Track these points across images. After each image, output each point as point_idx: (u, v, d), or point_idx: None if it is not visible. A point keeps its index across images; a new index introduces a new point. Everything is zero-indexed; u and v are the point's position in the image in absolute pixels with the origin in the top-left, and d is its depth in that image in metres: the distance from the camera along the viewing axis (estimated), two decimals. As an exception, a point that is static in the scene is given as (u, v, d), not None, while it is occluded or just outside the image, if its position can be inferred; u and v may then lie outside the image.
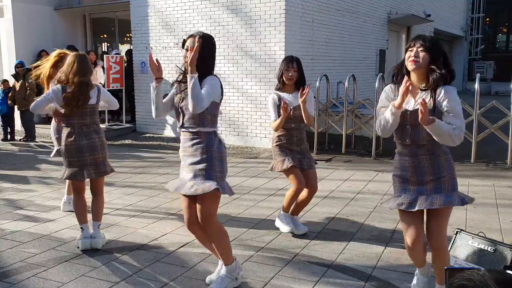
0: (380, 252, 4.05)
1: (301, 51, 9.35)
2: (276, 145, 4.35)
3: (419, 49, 2.81)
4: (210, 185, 3.09)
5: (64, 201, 5.28)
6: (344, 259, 3.92)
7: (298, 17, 9.15)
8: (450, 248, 3.70)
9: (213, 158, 3.16)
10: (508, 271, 1.42)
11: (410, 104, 2.89)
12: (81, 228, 4.18)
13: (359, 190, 5.99)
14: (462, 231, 3.74)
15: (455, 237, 3.72)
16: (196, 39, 3.13)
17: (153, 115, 3.38)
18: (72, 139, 4.12)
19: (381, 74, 8.92)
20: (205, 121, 3.19)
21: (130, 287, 3.44)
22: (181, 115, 3.23)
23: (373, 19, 12.42)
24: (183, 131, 3.25)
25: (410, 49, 2.86)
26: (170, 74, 9.99)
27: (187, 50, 3.16)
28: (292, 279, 3.55)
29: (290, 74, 4.26)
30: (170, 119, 10.17)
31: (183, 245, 4.20)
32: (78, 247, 4.11)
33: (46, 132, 11.15)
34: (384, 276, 3.58)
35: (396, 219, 4.89)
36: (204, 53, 3.12)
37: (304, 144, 4.40)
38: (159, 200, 5.68)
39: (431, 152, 2.91)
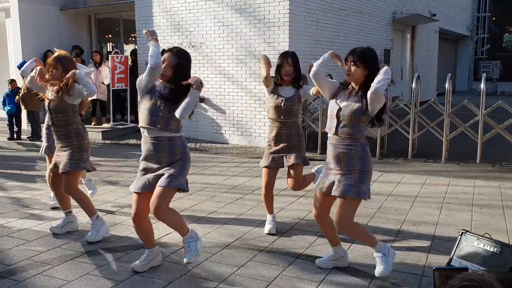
0: (384, 252, 4.04)
1: (305, 51, 9.35)
2: (267, 142, 4.49)
3: (351, 64, 3.31)
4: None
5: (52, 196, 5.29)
6: (348, 259, 3.91)
7: (302, 17, 9.15)
8: (455, 249, 3.69)
9: None
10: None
11: (342, 102, 3.38)
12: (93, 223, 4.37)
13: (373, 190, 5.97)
14: (467, 232, 3.72)
15: (460, 238, 3.70)
16: (168, 55, 3.54)
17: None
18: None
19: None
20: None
21: (134, 285, 3.46)
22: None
23: (377, 18, 12.40)
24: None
25: (346, 62, 3.34)
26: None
27: (163, 61, 3.51)
28: (296, 279, 3.55)
29: (286, 70, 4.29)
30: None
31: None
32: (91, 242, 4.23)
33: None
34: (388, 277, 3.57)
35: (400, 220, 4.89)
36: (180, 64, 3.52)
37: (293, 141, 4.37)
38: (164, 200, 5.68)
39: (349, 148, 3.35)
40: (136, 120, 11.26)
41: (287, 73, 4.29)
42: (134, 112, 11.40)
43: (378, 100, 3.24)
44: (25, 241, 4.30)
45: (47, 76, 4.39)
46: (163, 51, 3.57)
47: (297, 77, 4.34)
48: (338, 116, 3.35)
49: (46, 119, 4.96)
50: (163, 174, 3.48)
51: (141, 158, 3.60)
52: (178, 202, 5.54)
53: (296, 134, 4.38)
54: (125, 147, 9.38)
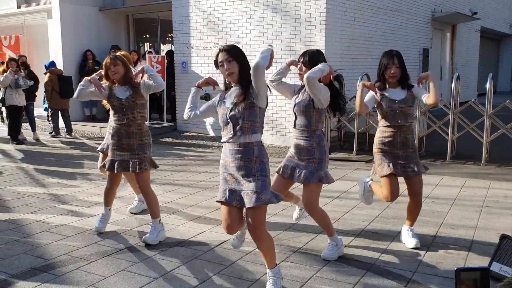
0: (421, 255, 3.96)
1: (342, 50, 9.26)
2: (378, 148, 4.15)
3: (302, 65, 3.76)
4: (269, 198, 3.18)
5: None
6: (383, 262, 3.85)
7: (339, 16, 9.05)
8: (495, 254, 3.58)
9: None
10: None
11: (297, 99, 3.80)
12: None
13: (400, 192, 5.86)
14: (507, 237, 3.61)
15: (500, 243, 3.59)
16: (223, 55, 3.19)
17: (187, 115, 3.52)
18: None
19: (424, 73, 8.71)
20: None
21: (169, 283, 3.50)
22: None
23: (416, 17, 12.16)
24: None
25: (298, 63, 3.81)
26: (210, 73, 10.09)
27: (222, 65, 3.18)
28: (330, 281, 3.52)
29: (392, 72, 4.01)
30: (210, 119, 10.26)
31: (221, 243, 4.23)
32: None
33: (90, 130, 11.47)
34: (424, 281, 3.50)
35: (438, 222, 4.78)
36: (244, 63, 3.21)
37: (410, 148, 4.09)
38: (198, 198, 5.74)
39: (307, 139, 3.75)
40: (172, 119, 11.44)
41: (393, 75, 4.02)
42: (171, 111, 11.58)
43: (312, 87, 3.56)
44: (64, 237, 4.42)
45: (103, 82, 4.40)
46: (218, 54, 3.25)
47: (403, 78, 4.07)
48: (294, 112, 3.78)
49: (113, 118, 4.43)
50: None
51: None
52: (212, 200, 5.58)
53: (410, 138, 4.13)
54: (161, 146, 9.52)
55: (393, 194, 4.08)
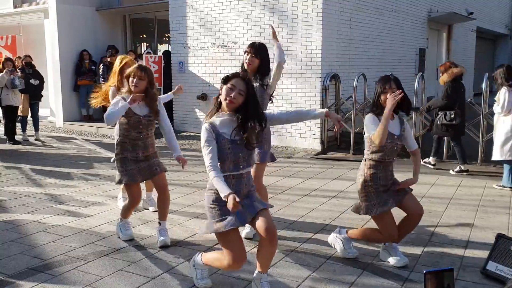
0: (418, 255, 3.98)
1: (339, 50, 9.27)
2: (372, 187, 3.71)
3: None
4: None
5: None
6: (380, 261, 3.87)
7: (335, 16, 9.07)
8: (491, 253, 3.60)
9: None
10: None
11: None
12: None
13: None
14: (503, 237, 3.63)
15: (496, 242, 3.61)
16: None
17: None
18: None
19: (420, 73, 8.75)
20: None
21: (166, 282, 3.50)
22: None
23: (413, 17, 12.19)
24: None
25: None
26: (207, 73, 10.09)
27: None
28: (327, 280, 3.53)
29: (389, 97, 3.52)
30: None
31: (218, 243, 4.23)
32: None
33: (86, 130, 11.45)
34: (421, 280, 3.51)
35: (434, 222, 4.80)
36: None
37: (392, 179, 3.81)
38: (195, 198, 5.75)
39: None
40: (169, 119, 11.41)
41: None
42: (168, 111, 11.56)
43: None
44: (61, 237, 4.42)
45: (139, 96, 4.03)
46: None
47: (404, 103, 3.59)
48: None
49: (125, 132, 4.21)
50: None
51: None
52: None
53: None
54: (157, 146, 9.50)
55: (395, 228, 3.69)
